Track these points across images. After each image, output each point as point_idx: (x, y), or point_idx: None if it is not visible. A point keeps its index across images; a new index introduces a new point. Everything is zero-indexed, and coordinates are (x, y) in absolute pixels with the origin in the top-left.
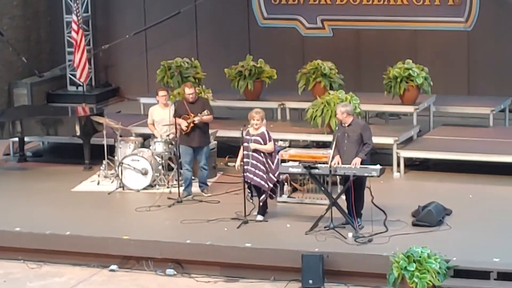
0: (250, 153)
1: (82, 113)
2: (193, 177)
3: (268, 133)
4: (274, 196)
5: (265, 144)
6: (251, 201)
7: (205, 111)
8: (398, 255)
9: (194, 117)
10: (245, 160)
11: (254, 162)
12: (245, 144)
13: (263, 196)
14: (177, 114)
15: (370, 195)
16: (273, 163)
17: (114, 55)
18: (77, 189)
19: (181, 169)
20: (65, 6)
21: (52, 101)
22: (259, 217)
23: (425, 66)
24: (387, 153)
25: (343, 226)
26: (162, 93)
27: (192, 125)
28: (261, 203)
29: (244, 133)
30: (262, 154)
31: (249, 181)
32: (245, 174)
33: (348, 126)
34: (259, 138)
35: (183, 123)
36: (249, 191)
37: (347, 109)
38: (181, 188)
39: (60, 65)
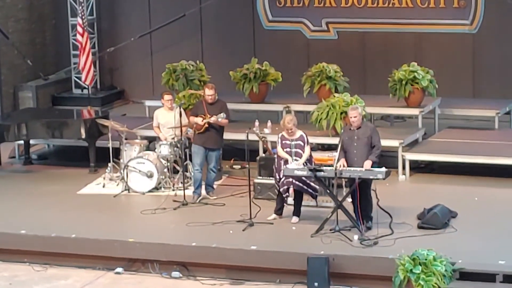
0: (294, 157)
1: (87, 116)
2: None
3: (306, 136)
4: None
5: (304, 146)
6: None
7: (222, 114)
8: (404, 257)
9: (210, 117)
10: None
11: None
12: (287, 149)
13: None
14: (194, 113)
15: (375, 197)
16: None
17: (119, 58)
18: (82, 191)
19: (186, 171)
20: (70, 9)
21: (57, 104)
22: (295, 219)
23: (430, 68)
24: (393, 155)
25: (348, 229)
26: (167, 97)
27: (206, 125)
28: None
29: (275, 137)
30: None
31: (295, 187)
32: (290, 180)
33: (358, 129)
34: (300, 142)
35: (198, 121)
36: (284, 196)
37: (360, 111)
38: (191, 190)
39: (65, 68)
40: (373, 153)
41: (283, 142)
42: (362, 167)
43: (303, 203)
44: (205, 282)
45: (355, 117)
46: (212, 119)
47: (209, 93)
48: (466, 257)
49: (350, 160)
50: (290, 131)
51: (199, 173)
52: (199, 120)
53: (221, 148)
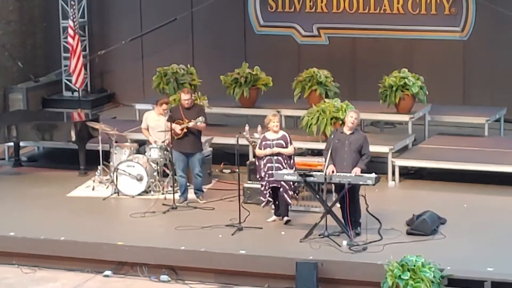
0: (274, 157)
1: (78, 118)
2: (188, 184)
3: (289, 136)
4: (296, 197)
5: (287, 146)
6: (271, 209)
7: (200, 118)
8: (393, 263)
9: (188, 122)
10: (268, 164)
11: (279, 165)
12: (268, 149)
13: (287, 198)
14: (171, 119)
15: (365, 203)
16: (291, 166)
17: (110, 61)
18: (72, 194)
19: (175, 175)
20: (61, 11)
21: (48, 106)
22: (286, 218)
23: (421, 75)
24: (382, 161)
25: (337, 234)
26: (166, 106)
27: (185, 130)
28: (286, 206)
29: (251, 137)
30: (283, 156)
31: (276, 185)
32: (272, 179)
33: (351, 134)
34: (281, 141)
35: (176, 128)
36: (267, 199)
37: (360, 117)
38: (177, 195)
39: (55, 70)
40: (362, 161)
41: (263, 142)
42: (350, 172)
43: (292, 208)
44: (193, 286)
45: (355, 118)
46: (191, 124)
47: (185, 97)
48: (455, 264)
49: (338, 165)
50: (276, 126)
51: (183, 178)
52: (177, 127)
53: (201, 151)
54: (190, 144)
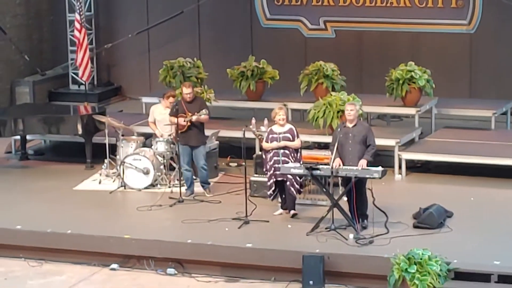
0: (281, 151)
1: (84, 111)
2: (194, 177)
3: (295, 129)
4: (301, 190)
5: (294, 140)
6: (278, 202)
7: (204, 110)
8: (399, 257)
9: (191, 116)
10: (275, 158)
11: (285, 159)
12: (275, 142)
13: (293, 192)
14: (174, 113)
15: (371, 196)
16: (297, 159)
17: (116, 54)
18: (78, 187)
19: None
20: (68, 5)
21: (54, 100)
22: (292, 212)
23: (427, 68)
24: (389, 155)
25: (344, 228)
26: (173, 100)
27: (189, 124)
28: (292, 199)
29: (261, 131)
30: (290, 150)
31: (283, 178)
32: (277, 172)
33: (353, 126)
34: (288, 135)
35: (181, 121)
36: (271, 193)
37: (358, 108)
38: (183, 188)
39: (62, 63)
40: (368, 152)
41: (270, 136)
42: (356, 165)
43: (299, 201)
44: (200, 279)
45: (351, 110)
46: (194, 118)
47: (186, 91)
48: (461, 257)
49: (344, 158)
50: (282, 120)
51: (188, 172)
52: (181, 120)
53: (205, 144)
54: (193, 137)
